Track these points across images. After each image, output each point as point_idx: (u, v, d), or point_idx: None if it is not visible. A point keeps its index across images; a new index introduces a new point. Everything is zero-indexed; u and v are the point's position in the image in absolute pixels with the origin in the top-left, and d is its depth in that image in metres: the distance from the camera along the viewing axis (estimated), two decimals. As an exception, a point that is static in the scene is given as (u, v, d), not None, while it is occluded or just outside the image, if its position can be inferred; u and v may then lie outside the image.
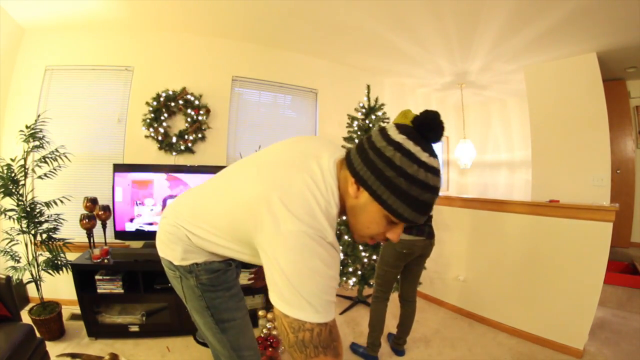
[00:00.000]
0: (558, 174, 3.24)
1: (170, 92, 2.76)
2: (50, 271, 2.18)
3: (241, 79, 3.16)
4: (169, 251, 0.97)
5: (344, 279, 2.63)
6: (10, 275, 1.72)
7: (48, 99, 2.67)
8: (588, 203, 2.10)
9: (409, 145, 0.67)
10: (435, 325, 2.51)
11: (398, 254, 1.83)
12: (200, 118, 2.83)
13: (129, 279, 2.20)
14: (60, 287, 2.41)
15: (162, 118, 2.74)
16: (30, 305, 2.30)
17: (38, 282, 2.17)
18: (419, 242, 1.81)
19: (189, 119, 2.82)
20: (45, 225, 2.20)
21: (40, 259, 2.19)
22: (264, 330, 2.08)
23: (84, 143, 2.68)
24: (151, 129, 2.71)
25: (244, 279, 2.40)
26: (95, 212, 2.34)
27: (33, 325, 1.70)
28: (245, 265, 2.61)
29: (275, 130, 3.32)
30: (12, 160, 2.12)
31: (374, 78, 3.80)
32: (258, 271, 1.29)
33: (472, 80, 3.97)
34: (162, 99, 2.73)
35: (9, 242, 2.11)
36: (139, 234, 2.46)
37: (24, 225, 2.10)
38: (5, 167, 2.08)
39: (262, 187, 0.73)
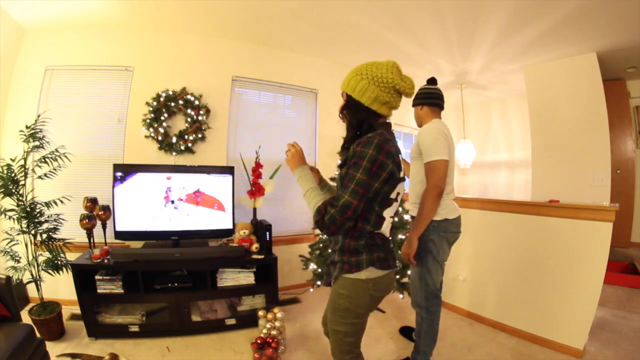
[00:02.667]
0: (558, 174, 3.24)
1: (170, 92, 2.76)
2: (50, 271, 2.18)
3: (241, 79, 3.16)
4: None
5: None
6: (10, 275, 1.72)
7: (48, 99, 2.67)
8: (588, 203, 2.10)
9: None
10: (435, 325, 2.51)
11: (373, 299, 1.18)
12: (200, 118, 2.83)
13: (129, 279, 2.20)
14: (60, 287, 2.41)
15: (162, 118, 2.74)
16: (30, 305, 2.30)
17: (38, 282, 2.17)
18: (393, 277, 1.27)
19: (189, 119, 2.82)
20: (45, 225, 2.20)
21: (40, 259, 2.19)
22: (264, 331, 2.08)
23: (84, 143, 2.68)
24: (151, 129, 2.71)
25: (245, 279, 2.41)
26: (95, 212, 2.34)
27: (33, 325, 1.70)
28: (245, 265, 2.60)
29: (275, 130, 3.32)
30: (12, 160, 2.12)
31: (374, 78, 3.80)
32: None
33: (472, 80, 3.97)
34: (162, 99, 2.73)
35: (9, 242, 2.11)
36: (139, 234, 2.46)
37: (24, 225, 2.10)
38: (5, 167, 2.08)
39: None
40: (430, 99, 1.83)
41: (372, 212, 1.12)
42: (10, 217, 2.09)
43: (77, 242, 2.41)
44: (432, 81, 1.91)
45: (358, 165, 1.05)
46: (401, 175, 1.16)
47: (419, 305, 1.85)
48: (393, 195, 1.15)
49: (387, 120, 1.22)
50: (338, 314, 1.20)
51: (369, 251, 1.14)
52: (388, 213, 1.16)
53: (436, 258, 1.77)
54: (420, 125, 1.89)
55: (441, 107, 1.86)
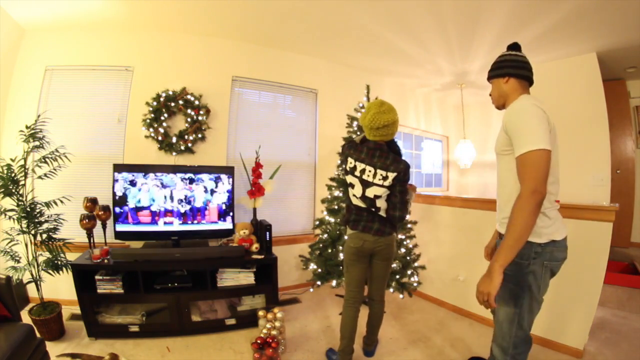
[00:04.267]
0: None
1: (170, 92, 2.76)
2: (50, 271, 2.18)
3: (241, 79, 3.16)
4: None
5: (344, 278, 2.63)
6: (10, 275, 1.72)
7: (48, 99, 2.67)
8: (588, 203, 2.10)
9: None
10: (435, 325, 2.51)
11: (350, 249, 1.84)
12: (200, 118, 2.83)
13: (129, 279, 2.20)
14: (60, 287, 2.41)
15: (162, 118, 2.74)
16: (30, 305, 2.30)
17: (38, 282, 2.17)
18: (367, 237, 1.79)
19: (189, 119, 2.82)
20: (45, 226, 2.20)
21: (40, 259, 2.19)
22: (264, 331, 2.08)
23: (84, 143, 2.68)
24: (151, 129, 2.71)
25: (245, 279, 2.41)
26: (95, 212, 2.34)
27: (33, 325, 1.70)
28: (245, 265, 2.60)
29: (275, 130, 3.32)
30: (12, 160, 2.12)
31: (374, 78, 3.80)
32: None
33: (472, 80, 3.97)
34: (162, 99, 2.73)
35: (9, 242, 2.11)
36: (139, 234, 2.46)
37: (24, 225, 2.10)
38: (5, 167, 2.08)
39: None
40: (520, 69, 1.30)
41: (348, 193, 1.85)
42: (10, 217, 2.09)
43: (77, 242, 2.41)
44: (515, 47, 1.36)
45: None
46: (348, 167, 1.77)
47: (504, 351, 1.31)
48: (349, 181, 1.80)
49: (369, 139, 1.77)
50: None
51: (348, 216, 1.87)
52: (351, 192, 1.80)
53: (536, 296, 1.25)
54: (501, 107, 1.39)
55: (531, 82, 1.34)
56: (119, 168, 2.40)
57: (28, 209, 2.12)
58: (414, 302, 2.95)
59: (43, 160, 2.20)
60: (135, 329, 2.18)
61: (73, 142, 2.56)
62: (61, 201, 2.25)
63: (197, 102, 2.83)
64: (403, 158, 1.77)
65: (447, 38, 2.84)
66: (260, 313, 2.23)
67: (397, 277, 2.68)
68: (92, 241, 2.33)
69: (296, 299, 3.03)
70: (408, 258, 2.72)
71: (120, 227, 2.39)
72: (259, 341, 1.97)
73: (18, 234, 2.10)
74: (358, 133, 2.78)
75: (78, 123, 2.70)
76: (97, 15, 2.52)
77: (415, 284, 2.77)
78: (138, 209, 2.41)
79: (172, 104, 2.77)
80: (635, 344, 2.15)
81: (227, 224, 2.61)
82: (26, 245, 2.12)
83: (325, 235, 2.74)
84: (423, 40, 2.91)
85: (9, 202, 2.09)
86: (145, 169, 2.45)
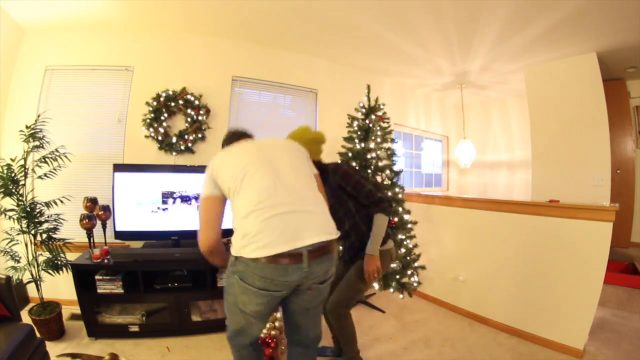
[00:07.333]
0: (558, 174, 3.24)
1: (170, 92, 2.76)
2: (50, 271, 2.18)
3: (241, 79, 3.16)
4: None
5: None
6: (10, 275, 1.72)
7: (48, 99, 2.67)
8: (588, 203, 2.10)
9: None
10: (435, 325, 2.51)
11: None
12: (200, 118, 2.83)
13: (129, 279, 2.20)
14: (60, 287, 2.41)
15: (162, 118, 2.74)
16: (30, 305, 2.30)
17: (38, 282, 2.17)
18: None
19: (189, 119, 2.82)
20: (45, 225, 2.20)
21: (40, 259, 2.19)
22: (264, 330, 2.07)
23: (84, 143, 2.68)
24: (151, 129, 2.71)
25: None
26: (95, 212, 2.34)
27: (33, 325, 1.70)
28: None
29: (275, 130, 3.32)
30: (12, 160, 2.12)
31: (374, 78, 3.80)
32: None
33: (472, 80, 3.97)
34: (162, 99, 2.73)
35: (9, 242, 2.11)
36: (139, 234, 2.46)
37: (24, 225, 2.10)
38: (5, 167, 2.08)
39: None
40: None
41: None
42: (10, 217, 2.09)
43: (77, 242, 2.41)
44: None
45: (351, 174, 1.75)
46: None
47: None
48: None
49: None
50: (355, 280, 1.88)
51: None
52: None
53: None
54: None
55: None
56: (119, 168, 2.40)
57: (28, 209, 2.12)
58: (414, 302, 2.95)
59: (43, 160, 2.20)
60: (135, 329, 2.17)
61: (73, 142, 2.56)
62: (61, 201, 2.25)
63: (197, 102, 2.83)
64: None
65: (447, 38, 2.84)
66: (260, 313, 2.22)
67: (397, 277, 2.68)
68: (92, 241, 2.33)
69: (296, 299, 3.02)
70: (408, 258, 2.72)
71: (120, 227, 2.39)
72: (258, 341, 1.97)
73: (18, 234, 2.10)
74: (358, 133, 2.78)
75: (78, 123, 2.70)
76: (97, 15, 2.52)
77: (415, 284, 2.77)
78: (138, 209, 2.41)
79: (172, 104, 2.77)
80: (635, 344, 2.15)
81: (227, 224, 2.61)
82: (26, 245, 2.12)
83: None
84: (423, 40, 2.91)
85: (9, 202, 2.09)
86: (145, 169, 2.45)
